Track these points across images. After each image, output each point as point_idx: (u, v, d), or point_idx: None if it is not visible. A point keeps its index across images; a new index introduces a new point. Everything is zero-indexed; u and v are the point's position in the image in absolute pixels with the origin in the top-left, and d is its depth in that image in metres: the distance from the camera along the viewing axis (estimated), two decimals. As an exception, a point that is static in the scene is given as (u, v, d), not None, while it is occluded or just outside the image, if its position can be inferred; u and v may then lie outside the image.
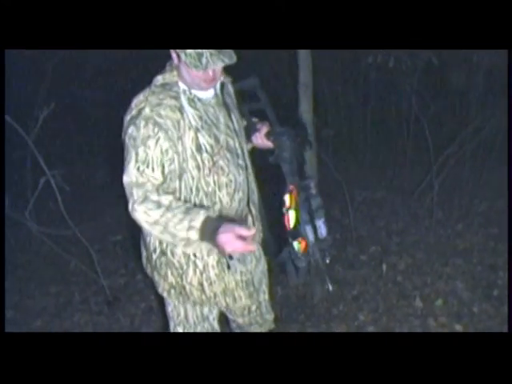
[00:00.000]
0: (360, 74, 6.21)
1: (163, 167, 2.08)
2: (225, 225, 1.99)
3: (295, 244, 2.26)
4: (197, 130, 2.15)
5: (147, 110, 2.09)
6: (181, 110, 2.13)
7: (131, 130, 2.09)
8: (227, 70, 2.24)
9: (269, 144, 2.45)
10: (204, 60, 2.02)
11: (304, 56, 3.63)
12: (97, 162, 6.66)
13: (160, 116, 2.08)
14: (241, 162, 2.33)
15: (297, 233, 2.26)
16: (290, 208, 2.27)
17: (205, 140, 2.17)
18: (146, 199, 2.03)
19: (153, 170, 2.06)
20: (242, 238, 1.95)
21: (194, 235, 2.01)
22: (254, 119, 2.54)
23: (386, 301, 3.84)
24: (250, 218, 2.43)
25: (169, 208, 2.03)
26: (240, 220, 2.32)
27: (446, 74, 5.64)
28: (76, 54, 5.87)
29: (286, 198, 2.29)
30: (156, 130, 2.06)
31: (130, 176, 2.07)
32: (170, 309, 2.51)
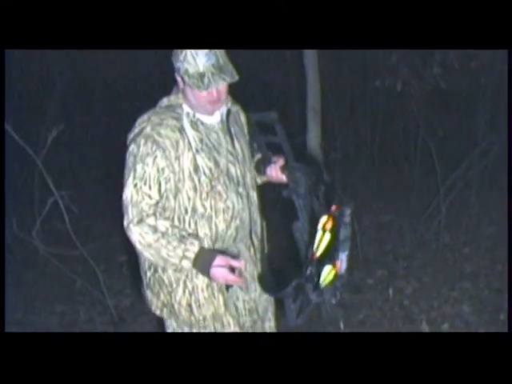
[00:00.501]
0: (367, 98, 6.24)
1: (160, 185, 2.12)
2: (218, 258, 2.09)
3: (326, 269, 2.03)
4: (196, 152, 2.17)
5: (148, 129, 2.13)
6: (181, 130, 2.16)
7: (132, 147, 2.15)
8: (239, 99, 2.34)
9: (283, 178, 2.36)
10: (206, 80, 2.06)
11: (313, 80, 3.66)
12: (104, 182, 6.68)
13: (159, 135, 2.12)
14: (241, 190, 2.30)
15: (323, 262, 2.05)
16: (326, 230, 2.07)
17: (203, 162, 2.18)
18: (142, 221, 2.09)
19: (150, 187, 2.11)
20: (234, 269, 2.07)
21: (187, 265, 2.10)
22: (270, 153, 2.47)
23: (392, 325, 3.81)
24: (251, 249, 2.42)
25: (164, 234, 2.09)
26: (232, 253, 2.29)
27: (453, 98, 5.65)
28: (86, 74, 5.95)
29: (324, 218, 2.09)
30: (154, 148, 2.10)
31: (126, 192, 2.13)
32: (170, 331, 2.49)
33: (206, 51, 2.06)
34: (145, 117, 2.20)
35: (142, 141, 2.12)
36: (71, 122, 4.73)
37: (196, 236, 2.19)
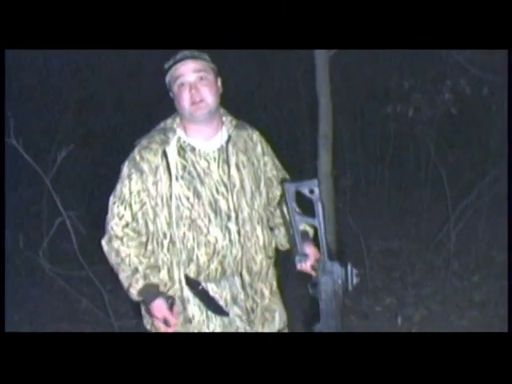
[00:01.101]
0: (378, 124, 6.25)
1: (131, 207, 2.16)
2: (157, 302, 2.10)
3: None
4: (175, 179, 2.12)
5: (135, 151, 2.17)
6: (163, 155, 2.13)
7: (122, 167, 2.21)
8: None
9: (311, 272, 2.11)
10: (175, 59, 2.10)
11: (325, 107, 3.65)
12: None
13: (142, 158, 2.14)
14: (231, 225, 2.16)
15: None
16: None
17: (181, 190, 2.13)
18: (110, 241, 2.18)
19: (124, 208, 2.16)
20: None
21: (134, 296, 2.16)
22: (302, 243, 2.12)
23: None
24: (238, 285, 2.23)
25: (123, 261, 2.16)
26: (177, 299, 2.18)
27: (464, 124, 5.65)
28: (98, 92, 5.99)
29: None
30: (132, 170, 2.15)
31: (108, 208, 2.21)
32: None
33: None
34: (141, 139, 2.21)
35: (126, 162, 2.18)
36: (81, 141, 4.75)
37: (152, 268, 2.15)
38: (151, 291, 2.12)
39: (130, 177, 2.15)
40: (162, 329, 2.09)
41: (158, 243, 2.18)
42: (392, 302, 4.46)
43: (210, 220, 2.14)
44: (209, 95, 2.11)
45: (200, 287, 2.20)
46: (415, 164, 6.11)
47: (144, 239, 2.19)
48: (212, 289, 2.21)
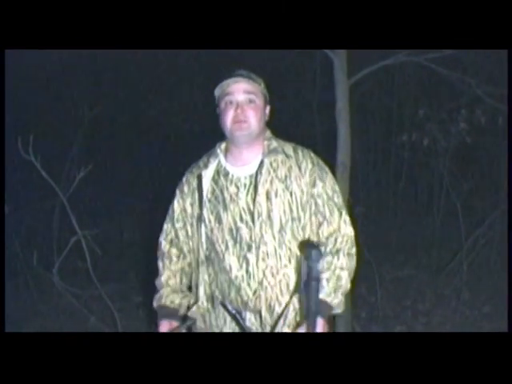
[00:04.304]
0: (393, 152, 6.26)
1: (174, 225, 2.26)
2: (162, 322, 2.18)
3: None
4: (204, 202, 2.13)
5: (186, 172, 2.25)
6: (199, 178, 2.16)
7: None
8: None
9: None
10: (224, 84, 2.08)
11: (344, 136, 3.66)
12: (124, 222, 6.73)
13: (186, 180, 2.23)
14: (251, 256, 2.05)
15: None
16: None
17: (207, 214, 2.13)
18: (158, 255, 2.31)
19: (170, 225, 2.28)
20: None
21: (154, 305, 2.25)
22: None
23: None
24: (258, 321, 2.11)
25: (159, 277, 2.27)
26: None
27: (478, 154, 5.65)
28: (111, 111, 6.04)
29: None
30: (177, 191, 2.25)
31: None
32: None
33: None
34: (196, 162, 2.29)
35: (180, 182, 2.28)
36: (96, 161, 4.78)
37: (175, 292, 2.23)
38: (161, 312, 2.20)
39: (176, 197, 2.25)
40: None
41: (196, 262, 2.21)
42: (402, 331, 4.41)
43: (227, 247, 2.08)
44: (253, 118, 2.06)
45: (234, 312, 2.15)
46: (428, 193, 6.11)
47: (187, 260, 2.27)
48: (249, 319, 2.14)
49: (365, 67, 3.75)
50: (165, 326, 2.17)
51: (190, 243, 2.23)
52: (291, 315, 2.08)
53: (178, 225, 2.24)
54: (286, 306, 2.07)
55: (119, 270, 5.67)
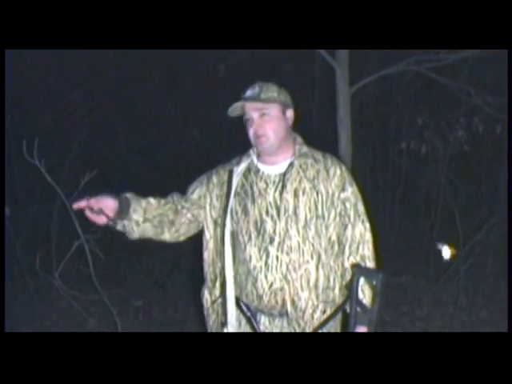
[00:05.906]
0: (390, 159, 6.29)
1: (188, 195, 2.29)
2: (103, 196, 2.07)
3: None
4: (232, 195, 2.23)
5: (219, 166, 2.34)
6: (230, 173, 2.27)
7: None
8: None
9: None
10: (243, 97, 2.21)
11: (344, 143, 3.69)
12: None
13: (216, 172, 2.32)
14: (272, 249, 2.13)
15: None
16: None
17: (234, 205, 2.23)
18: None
19: (189, 190, 2.30)
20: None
21: None
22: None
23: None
24: (285, 322, 2.19)
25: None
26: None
27: (476, 162, 5.69)
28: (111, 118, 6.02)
29: None
30: (204, 177, 2.32)
31: None
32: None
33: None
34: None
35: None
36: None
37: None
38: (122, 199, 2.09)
39: (199, 180, 2.32)
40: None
41: (216, 250, 2.28)
42: (399, 336, 4.42)
43: (250, 238, 2.18)
44: (269, 130, 2.18)
45: (248, 314, 2.24)
46: (426, 200, 6.13)
47: (172, 216, 2.21)
48: (264, 323, 2.23)
49: (365, 76, 3.79)
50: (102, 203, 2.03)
51: (212, 232, 2.28)
52: (315, 318, 2.19)
53: (193, 196, 2.28)
54: (307, 303, 2.17)
55: (117, 274, 5.67)
